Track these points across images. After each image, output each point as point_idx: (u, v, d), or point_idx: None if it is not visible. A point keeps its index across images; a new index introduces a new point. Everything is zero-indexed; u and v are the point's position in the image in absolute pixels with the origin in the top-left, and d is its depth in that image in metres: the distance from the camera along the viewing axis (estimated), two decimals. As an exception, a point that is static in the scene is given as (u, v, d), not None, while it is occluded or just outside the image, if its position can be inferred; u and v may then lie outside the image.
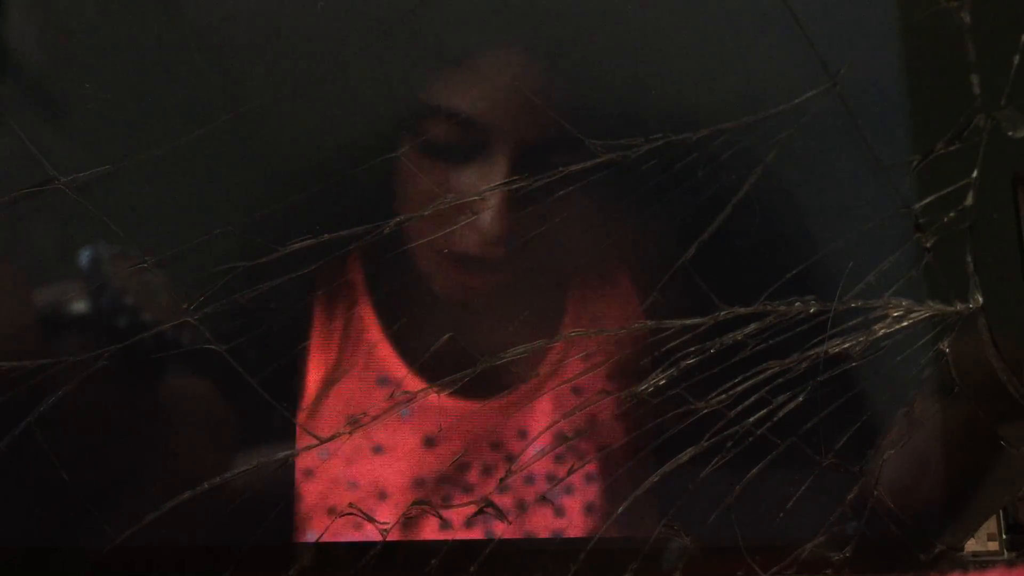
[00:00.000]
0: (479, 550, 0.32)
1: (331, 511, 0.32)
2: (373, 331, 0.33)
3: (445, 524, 0.32)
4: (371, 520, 0.32)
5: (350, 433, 0.32)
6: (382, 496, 0.32)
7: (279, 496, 0.32)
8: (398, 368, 0.32)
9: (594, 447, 0.33)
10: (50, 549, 0.31)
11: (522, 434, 0.33)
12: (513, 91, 0.33)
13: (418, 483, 0.32)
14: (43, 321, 0.31)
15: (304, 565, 0.32)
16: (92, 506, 0.31)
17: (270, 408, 0.32)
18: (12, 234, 0.31)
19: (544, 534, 0.32)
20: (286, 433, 0.32)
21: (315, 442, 0.32)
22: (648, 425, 0.32)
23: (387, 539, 0.32)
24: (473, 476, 0.32)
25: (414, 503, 0.32)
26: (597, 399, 0.33)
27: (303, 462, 0.32)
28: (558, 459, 0.33)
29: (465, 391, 0.32)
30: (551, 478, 0.33)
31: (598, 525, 0.32)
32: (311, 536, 0.32)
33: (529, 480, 0.33)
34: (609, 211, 0.33)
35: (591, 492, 0.33)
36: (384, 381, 0.32)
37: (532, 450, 0.33)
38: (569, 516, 0.33)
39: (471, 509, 0.32)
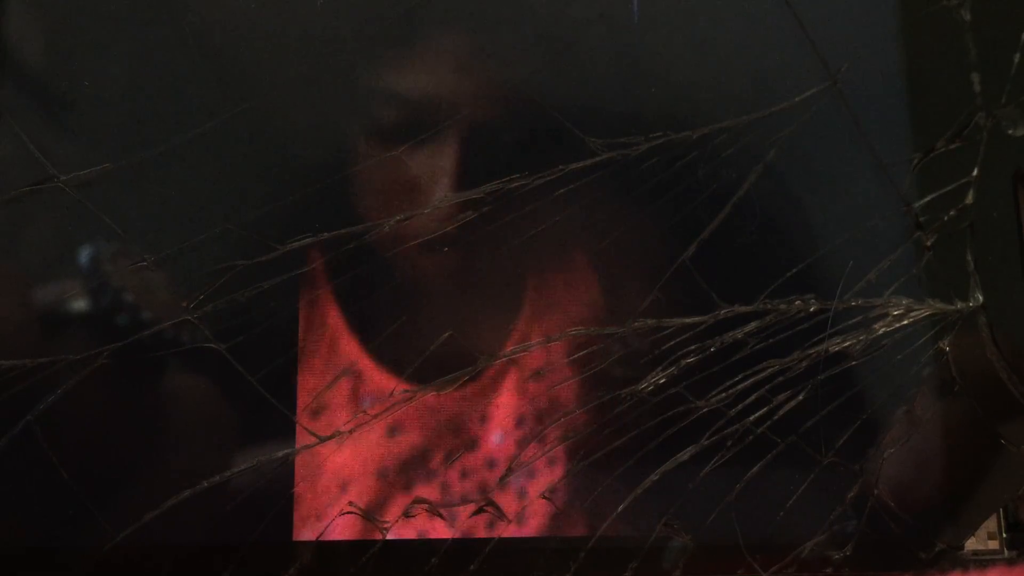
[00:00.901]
0: (479, 549, 0.32)
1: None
2: (372, 329, 0.33)
3: (444, 520, 0.32)
4: (371, 519, 0.32)
5: (350, 432, 0.32)
6: (344, 487, 0.32)
7: (279, 495, 0.32)
8: (397, 363, 0.32)
9: (592, 446, 0.33)
10: (50, 549, 0.31)
11: (483, 419, 0.33)
12: (513, 88, 0.33)
13: (382, 472, 0.32)
14: (43, 320, 0.31)
15: (304, 564, 0.32)
16: (92, 506, 0.31)
17: (270, 407, 0.32)
18: (12, 233, 0.31)
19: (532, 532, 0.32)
20: (286, 432, 0.32)
21: (315, 441, 0.32)
22: (648, 424, 0.32)
23: (387, 538, 0.32)
24: (435, 463, 0.32)
25: (414, 501, 0.32)
26: (602, 397, 0.33)
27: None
28: (550, 461, 0.33)
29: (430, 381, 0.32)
30: (544, 476, 0.33)
31: (594, 524, 0.32)
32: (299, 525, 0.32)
33: (522, 482, 0.33)
34: (609, 209, 0.33)
35: (589, 490, 0.33)
36: (381, 373, 0.32)
37: (529, 452, 0.33)
38: (566, 514, 0.33)
39: (471, 508, 0.32)
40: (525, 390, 0.33)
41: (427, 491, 0.32)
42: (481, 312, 0.33)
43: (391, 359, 0.32)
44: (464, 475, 0.32)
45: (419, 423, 0.32)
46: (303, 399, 0.32)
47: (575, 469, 0.32)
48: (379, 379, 0.32)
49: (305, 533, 0.32)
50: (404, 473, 0.32)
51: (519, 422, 0.33)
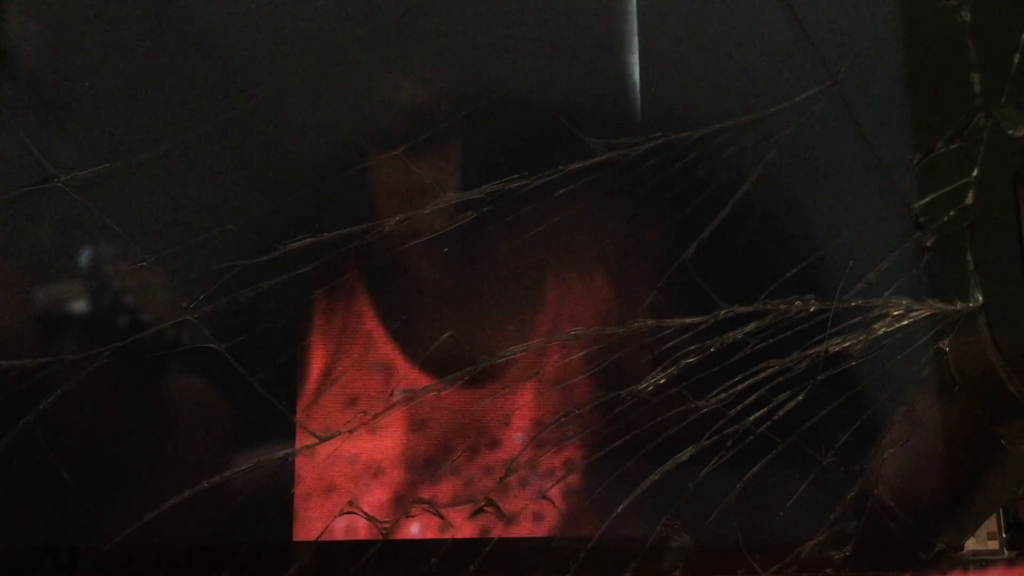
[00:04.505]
0: (479, 549, 0.32)
1: (329, 489, 0.32)
2: (372, 328, 0.33)
3: (446, 523, 0.32)
4: (371, 519, 0.32)
5: (350, 432, 0.32)
6: (377, 473, 0.32)
7: (279, 495, 0.32)
8: (398, 363, 0.32)
9: (592, 446, 0.33)
10: (50, 549, 0.31)
11: (506, 421, 0.33)
12: (513, 88, 0.33)
13: (409, 465, 0.32)
14: (43, 320, 0.31)
15: (304, 564, 0.32)
16: (92, 506, 0.31)
17: (270, 407, 0.32)
18: (12, 233, 0.31)
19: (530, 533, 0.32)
20: (286, 432, 0.32)
21: (315, 441, 0.32)
22: (647, 424, 0.32)
23: (387, 538, 0.32)
24: (458, 460, 0.32)
25: (414, 502, 0.32)
26: (599, 398, 0.33)
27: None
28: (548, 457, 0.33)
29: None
30: (544, 475, 0.33)
31: (594, 523, 0.32)
32: (309, 518, 0.32)
33: (523, 482, 0.32)
34: (609, 210, 0.33)
35: (589, 492, 0.33)
36: (383, 372, 0.32)
37: (529, 451, 0.33)
38: (566, 515, 0.33)
39: (471, 508, 0.32)
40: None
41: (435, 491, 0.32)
42: (480, 312, 0.33)
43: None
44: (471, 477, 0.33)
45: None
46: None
47: (575, 469, 0.33)
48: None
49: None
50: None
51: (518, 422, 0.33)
